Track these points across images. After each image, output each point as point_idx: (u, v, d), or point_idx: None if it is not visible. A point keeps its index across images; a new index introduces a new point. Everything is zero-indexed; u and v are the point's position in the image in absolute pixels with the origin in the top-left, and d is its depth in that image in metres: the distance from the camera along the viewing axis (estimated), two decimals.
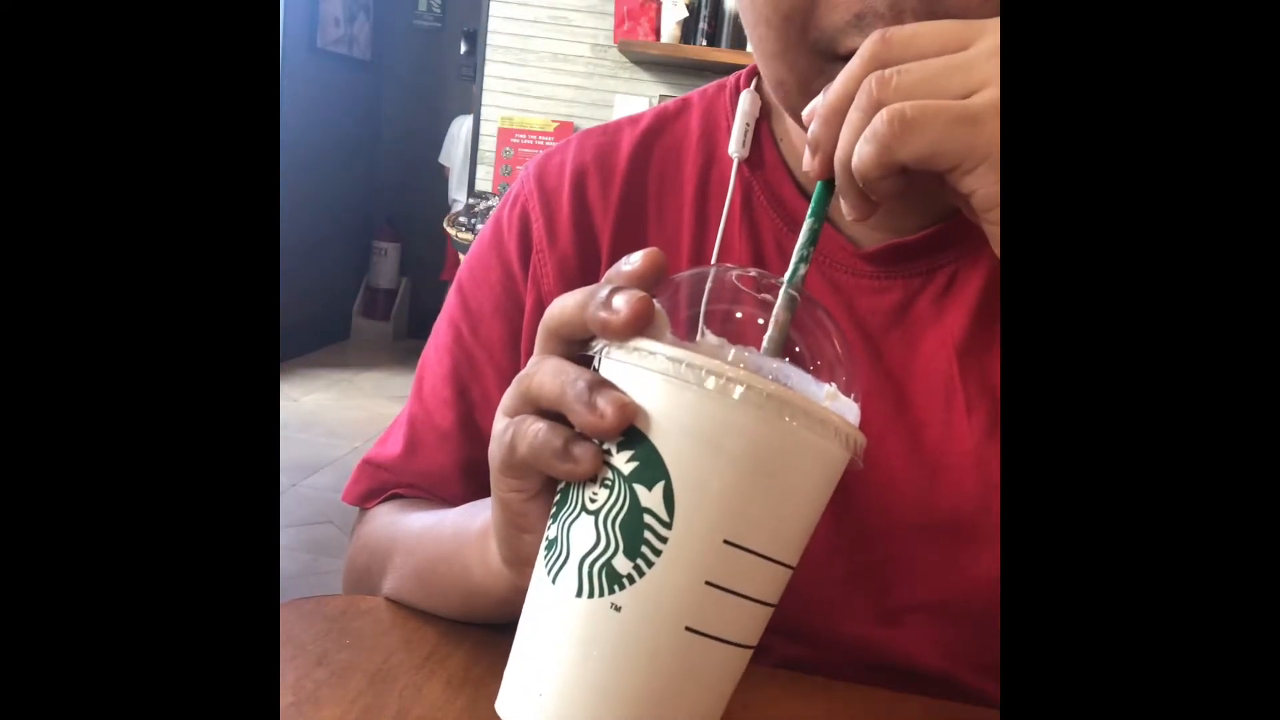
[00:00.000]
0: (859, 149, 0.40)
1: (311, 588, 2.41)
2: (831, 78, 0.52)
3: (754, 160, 0.64)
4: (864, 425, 0.39)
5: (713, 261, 0.62)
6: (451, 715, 0.49)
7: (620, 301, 0.37)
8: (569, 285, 0.65)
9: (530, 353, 0.65)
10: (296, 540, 2.71)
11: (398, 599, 0.60)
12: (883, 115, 0.40)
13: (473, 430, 0.66)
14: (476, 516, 0.53)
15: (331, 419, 3.77)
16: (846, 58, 0.51)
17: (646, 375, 0.36)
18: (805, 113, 0.44)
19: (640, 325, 0.37)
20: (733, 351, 0.37)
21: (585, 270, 0.65)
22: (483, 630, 0.57)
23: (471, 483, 0.66)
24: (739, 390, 0.34)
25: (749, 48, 0.57)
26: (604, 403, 0.36)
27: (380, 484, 0.69)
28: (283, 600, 0.49)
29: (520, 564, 0.45)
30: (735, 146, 0.64)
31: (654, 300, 0.37)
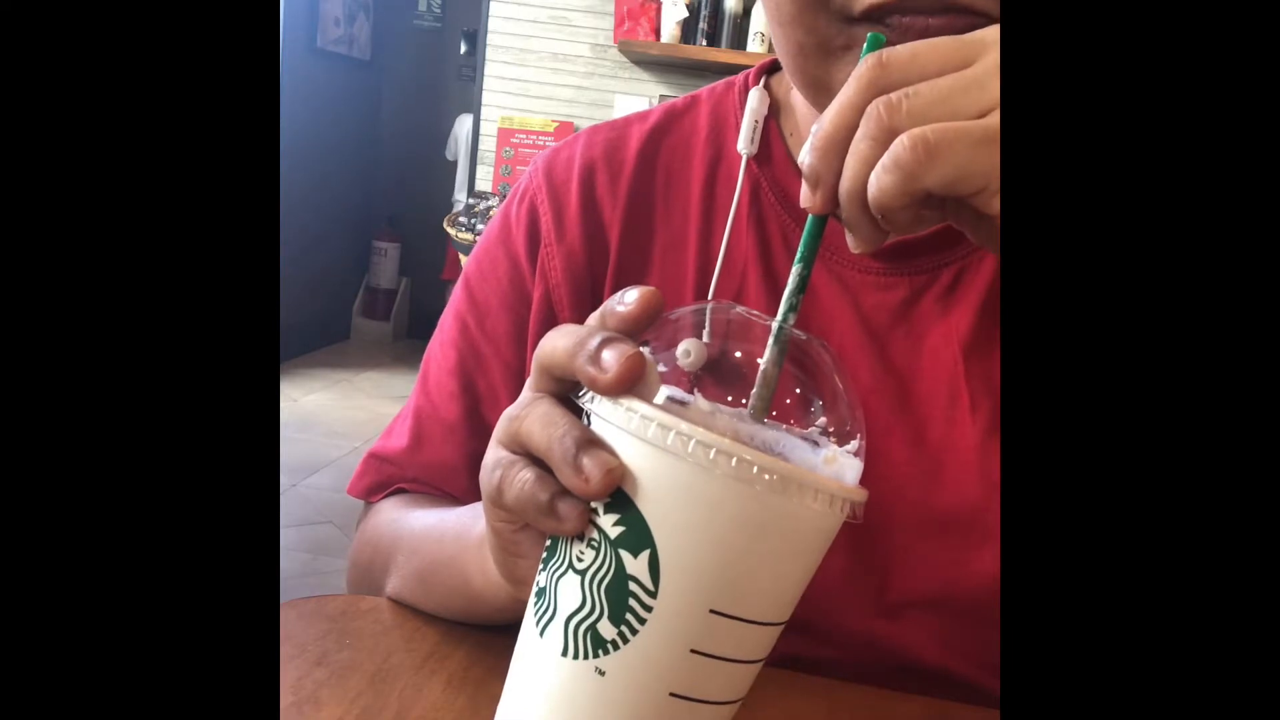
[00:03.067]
0: (879, 179, 0.38)
1: (311, 588, 2.41)
2: (849, 39, 0.52)
3: (762, 157, 0.64)
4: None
5: (720, 256, 0.63)
6: (451, 715, 0.49)
7: (610, 358, 0.35)
8: (576, 280, 0.65)
9: (536, 347, 0.65)
10: (296, 540, 2.71)
11: (400, 599, 0.60)
12: (904, 141, 0.37)
13: (478, 424, 0.66)
14: (477, 521, 0.53)
15: (331, 419, 3.78)
16: (861, 18, 0.51)
17: (634, 440, 0.35)
18: (802, 157, 0.42)
19: (628, 384, 0.35)
20: (724, 418, 0.35)
21: (593, 265, 0.65)
22: (483, 630, 0.57)
23: (476, 476, 0.66)
24: (730, 463, 0.33)
25: (749, 48, 0.57)
26: (590, 465, 0.35)
27: (386, 478, 0.69)
28: (283, 600, 0.49)
29: (517, 582, 0.44)
30: (744, 143, 0.64)
31: (645, 354, 0.36)
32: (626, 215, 0.65)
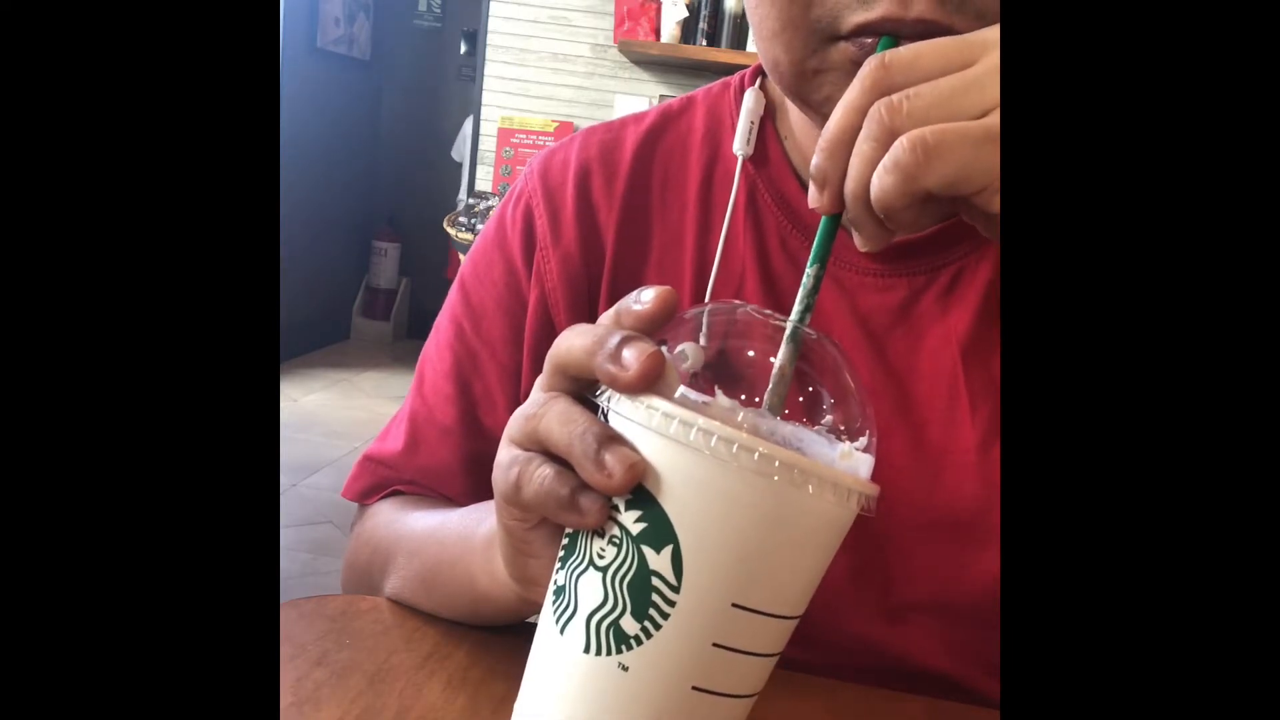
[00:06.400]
0: (880, 180, 0.38)
1: (311, 588, 2.41)
2: (821, 62, 0.52)
3: (758, 158, 0.64)
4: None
5: (717, 258, 0.63)
6: (451, 715, 0.49)
7: (630, 356, 0.36)
8: (572, 282, 0.65)
9: (534, 351, 0.65)
10: (296, 540, 2.71)
11: (400, 600, 0.60)
12: (903, 143, 0.38)
13: (474, 426, 0.66)
14: (482, 523, 0.53)
15: (331, 419, 3.77)
16: (847, 36, 0.50)
17: (655, 437, 0.35)
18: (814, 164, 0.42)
19: (649, 382, 0.36)
20: (744, 415, 0.36)
21: (589, 267, 0.65)
22: (483, 630, 0.57)
23: (473, 479, 0.66)
24: (750, 458, 0.34)
25: (749, 48, 0.56)
26: (613, 460, 0.35)
27: (381, 480, 0.68)
28: (283, 600, 0.49)
29: (527, 582, 0.44)
30: (740, 144, 0.64)
31: (664, 352, 0.36)
32: (622, 217, 0.65)
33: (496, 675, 0.53)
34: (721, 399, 0.36)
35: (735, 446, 0.34)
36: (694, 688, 0.36)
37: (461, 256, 3.37)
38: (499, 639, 0.56)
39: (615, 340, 0.37)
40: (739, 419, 0.36)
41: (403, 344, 5.10)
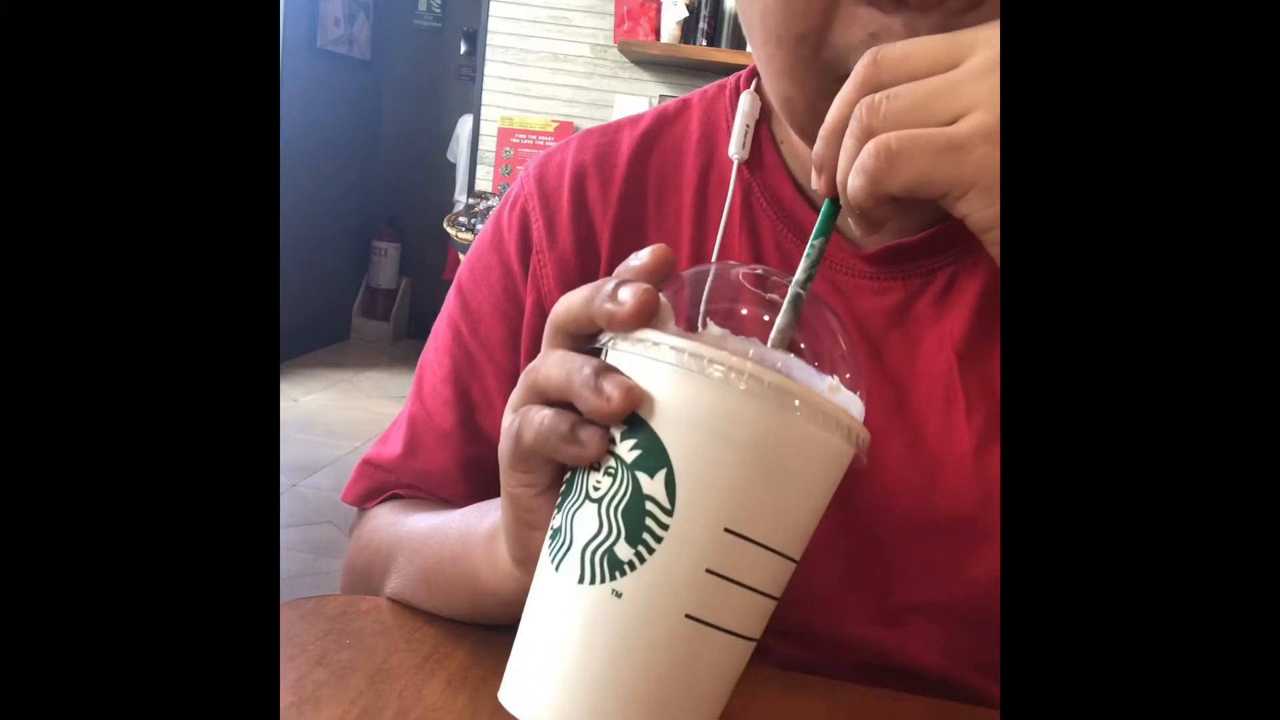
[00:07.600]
0: (850, 180, 0.41)
1: (311, 588, 2.41)
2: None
3: (754, 162, 0.64)
4: (864, 425, 0.39)
5: (712, 262, 0.63)
6: (451, 715, 0.49)
7: (626, 294, 0.37)
8: (568, 286, 0.65)
9: (531, 354, 0.65)
10: (296, 540, 2.71)
11: (401, 599, 0.60)
12: (869, 148, 0.40)
13: (473, 430, 0.66)
14: (484, 518, 0.53)
15: (331, 419, 3.77)
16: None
17: (651, 365, 0.36)
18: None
19: (646, 316, 0.37)
20: (735, 341, 0.37)
21: (585, 271, 0.65)
22: (483, 630, 0.57)
23: (472, 482, 0.66)
24: (742, 380, 0.35)
25: (749, 48, 0.56)
26: (610, 386, 0.36)
27: (380, 484, 0.69)
28: (283, 600, 0.49)
29: (530, 563, 0.45)
30: (735, 148, 0.64)
31: (659, 293, 0.38)
32: (618, 221, 0.65)
33: (496, 675, 0.53)
34: (713, 328, 0.38)
35: (728, 369, 0.35)
36: (688, 616, 0.36)
37: (461, 257, 3.38)
38: (499, 639, 0.56)
39: (612, 284, 0.38)
40: (729, 345, 0.37)
41: (403, 344, 5.10)
